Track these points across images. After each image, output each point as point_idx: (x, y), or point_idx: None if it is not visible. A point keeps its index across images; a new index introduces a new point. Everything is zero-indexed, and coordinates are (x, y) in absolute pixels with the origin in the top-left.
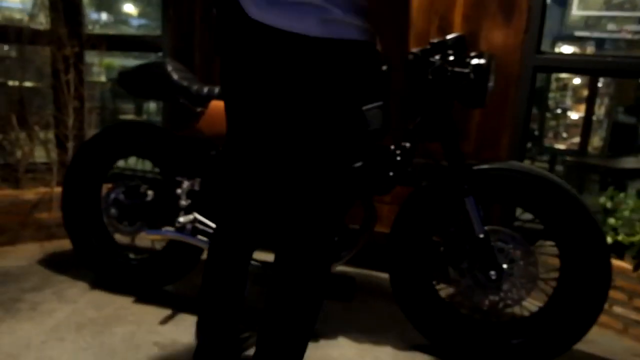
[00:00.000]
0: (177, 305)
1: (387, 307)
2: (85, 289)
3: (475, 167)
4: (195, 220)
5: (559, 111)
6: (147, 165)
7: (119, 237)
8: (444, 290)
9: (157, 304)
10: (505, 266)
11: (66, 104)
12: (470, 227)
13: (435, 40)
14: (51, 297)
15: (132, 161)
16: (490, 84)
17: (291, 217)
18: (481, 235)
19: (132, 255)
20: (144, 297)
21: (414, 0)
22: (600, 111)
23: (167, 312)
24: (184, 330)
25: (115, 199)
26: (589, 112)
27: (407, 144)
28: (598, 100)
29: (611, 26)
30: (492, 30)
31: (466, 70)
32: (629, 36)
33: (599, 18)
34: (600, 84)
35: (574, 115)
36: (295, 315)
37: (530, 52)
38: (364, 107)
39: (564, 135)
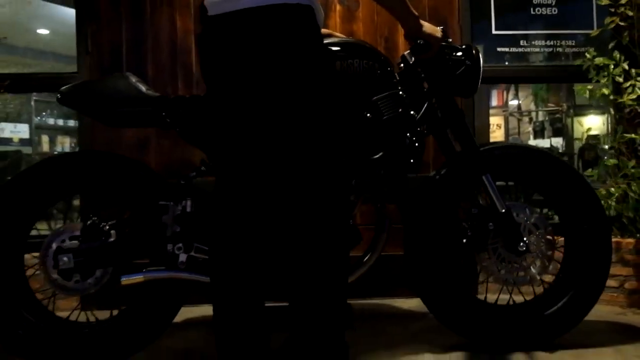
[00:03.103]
0: None
1: (399, 325)
2: None
3: (482, 148)
4: (194, 249)
5: None
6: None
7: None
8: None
9: None
10: (525, 238)
11: None
12: (493, 204)
13: None
14: None
15: None
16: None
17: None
18: (503, 210)
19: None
20: None
21: (359, 26)
22: None
23: None
24: None
25: (60, 248)
26: None
27: (424, 130)
28: None
29: (522, 42)
30: None
31: (463, 57)
32: (537, 49)
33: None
34: None
35: None
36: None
37: None
38: (374, 98)
39: None
